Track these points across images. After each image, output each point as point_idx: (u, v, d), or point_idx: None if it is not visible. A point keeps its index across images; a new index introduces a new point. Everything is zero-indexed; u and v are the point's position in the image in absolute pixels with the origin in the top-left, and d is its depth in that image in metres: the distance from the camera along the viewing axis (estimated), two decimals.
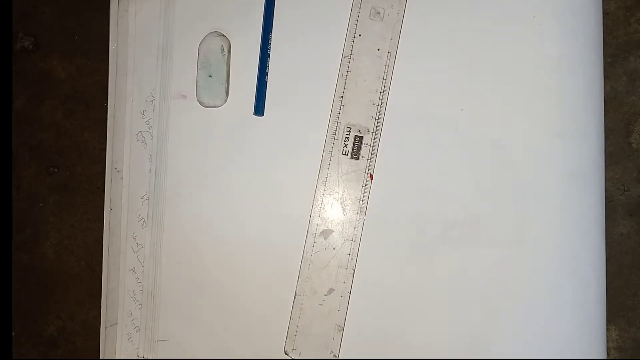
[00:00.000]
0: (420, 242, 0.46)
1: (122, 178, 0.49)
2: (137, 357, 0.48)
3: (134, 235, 0.48)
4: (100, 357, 0.49)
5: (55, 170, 0.52)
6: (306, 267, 0.46)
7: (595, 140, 0.46)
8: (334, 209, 0.46)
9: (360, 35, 0.46)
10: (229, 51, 0.47)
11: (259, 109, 0.46)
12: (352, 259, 0.46)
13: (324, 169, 0.46)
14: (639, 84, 0.49)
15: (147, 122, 0.48)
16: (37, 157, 0.53)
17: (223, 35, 0.47)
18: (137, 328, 0.48)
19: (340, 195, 0.46)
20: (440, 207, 0.46)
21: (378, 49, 0.46)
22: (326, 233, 0.46)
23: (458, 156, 0.46)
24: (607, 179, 0.47)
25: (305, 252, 0.46)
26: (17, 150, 0.52)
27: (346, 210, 0.46)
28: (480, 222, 0.46)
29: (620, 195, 0.49)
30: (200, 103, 0.47)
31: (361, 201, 0.46)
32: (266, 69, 0.46)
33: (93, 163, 0.52)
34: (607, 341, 0.47)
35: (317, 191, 0.46)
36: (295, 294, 0.46)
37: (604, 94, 0.47)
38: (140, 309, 0.48)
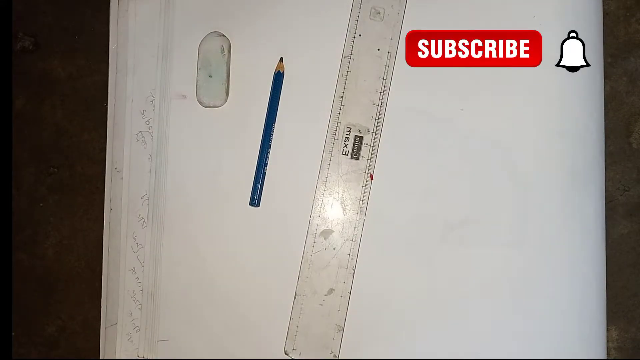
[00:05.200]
0: (420, 242, 0.46)
1: (122, 178, 0.49)
2: (137, 357, 0.48)
3: (134, 235, 0.48)
4: (100, 357, 0.49)
5: (55, 170, 0.52)
6: (306, 267, 0.46)
7: (595, 140, 0.46)
8: (334, 209, 0.46)
9: (360, 35, 0.46)
10: (229, 51, 0.47)
11: (255, 201, 0.46)
12: (352, 259, 0.46)
13: (324, 169, 0.46)
14: (639, 84, 0.49)
15: (147, 122, 0.48)
16: (37, 157, 0.52)
17: (223, 35, 0.47)
18: (137, 328, 0.48)
19: (340, 195, 0.46)
20: (440, 207, 0.46)
21: (378, 49, 0.46)
22: (326, 233, 0.46)
23: (458, 156, 0.46)
24: (607, 179, 0.47)
25: (305, 252, 0.46)
26: (17, 150, 0.52)
27: (346, 210, 0.46)
28: (480, 222, 0.46)
29: (620, 195, 0.49)
30: (200, 103, 0.47)
31: (361, 201, 0.46)
32: (266, 160, 0.46)
33: (93, 163, 0.52)
34: (607, 341, 0.47)
35: (317, 191, 0.46)
36: (295, 294, 0.46)
37: (604, 94, 0.47)
38: (140, 309, 0.48)
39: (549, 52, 0.45)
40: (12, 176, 0.52)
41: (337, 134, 0.46)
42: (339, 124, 0.46)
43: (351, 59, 0.46)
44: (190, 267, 0.48)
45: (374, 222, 0.46)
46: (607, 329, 0.46)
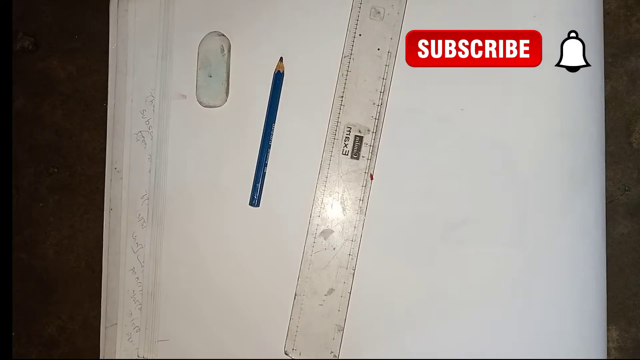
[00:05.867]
0: (420, 242, 0.46)
1: (122, 178, 0.49)
2: (137, 357, 0.48)
3: (134, 235, 0.48)
4: (100, 357, 0.49)
5: (55, 170, 0.52)
6: (306, 267, 0.46)
7: (595, 140, 0.46)
8: (334, 209, 0.46)
9: (360, 35, 0.46)
10: (229, 51, 0.47)
11: (255, 201, 0.46)
12: (352, 259, 0.46)
13: (324, 169, 0.46)
14: (639, 83, 0.49)
15: (147, 122, 0.48)
16: (37, 157, 0.53)
17: (223, 35, 0.47)
18: (137, 328, 0.48)
19: (340, 195, 0.46)
20: (440, 207, 0.46)
21: (378, 49, 0.46)
22: (326, 233, 0.46)
23: (458, 156, 0.46)
24: (607, 179, 0.47)
25: (305, 252, 0.46)
26: (17, 150, 0.52)
27: (346, 210, 0.46)
28: (481, 222, 0.46)
29: (621, 195, 0.49)
30: (200, 103, 0.47)
31: (361, 201, 0.46)
32: (266, 160, 0.46)
33: (93, 163, 0.52)
34: (607, 341, 0.46)
35: (317, 191, 0.46)
36: (295, 294, 0.46)
37: (604, 93, 0.47)
38: (140, 309, 0.48)
39: (549, 52, 0.45)
40: (12, 176, 0.52)
41: (337, 134, 0.46)
42: (339, 124, 0.46)
43: (351, 59, 0.46)
44: (190, 267, 0.48)
45: (374, 222, 0.46)
46: (607, 329, 0.46)
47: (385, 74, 0.46)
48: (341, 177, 0.46)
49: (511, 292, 0.45)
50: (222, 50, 0.46)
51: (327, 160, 0.46)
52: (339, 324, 0.46)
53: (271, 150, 0.46)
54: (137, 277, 0.48)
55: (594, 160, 0.46)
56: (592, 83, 0.46)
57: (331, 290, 0.46)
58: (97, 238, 0.50)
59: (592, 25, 0.46)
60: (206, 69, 0.47)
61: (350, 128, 0.46)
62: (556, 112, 0.45)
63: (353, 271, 0.46)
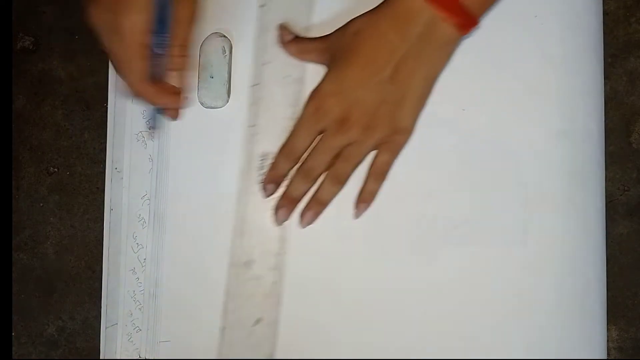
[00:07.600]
0: (420, 242, 0.46)
1: (122, 178, 0.49)
2: (137, 358, 0.48)
3: (134, 235, 0.48)
4: (100, 357, 0.49)
5: (55, 170, 0.52)
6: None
7: (595, 140, 0.46)
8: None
9: None
10: (230, 52, 0.47)
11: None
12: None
13: None
14: (639, 84, 0.49)
15: (148, 122, 0.48)
16: (37, 157, 0.52)
17: (224, 36, 0.47)
18: (138, 328, 0.48)
19: None
20: (440, 207, 0.46)
21: None
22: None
23: (458, 156, 0.46)
24: (607, 179, 0.47)
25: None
26: (17, 150, 0.52)
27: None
28: (481, 222, 0.46)
29: (620, 195, 0.49)
30: (202, 104, 0.47)
31: None
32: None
33: (93, 163, 0.52)
34: (607, 341, 0.47)
35: None
36: None
37: (604, 94, 0.47)
38: (141, 309, 0.48)
39: (549, 51, 0.45)
40: (12, 176, 0.52)
41: None
42: None
43: None
44: (191, 267, 0.47)
45: (374, 222, 0.46)
46: (607, 329, 0.46)
47: None
48: None
49: (511, 291, 0.45)
50: (224, 51, 0.46)
51: None
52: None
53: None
54: (138, 278, 0.48)
55: (594, 160, 0.46)
56: (591, 83, 0.46)
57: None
58: (97, 238, 0.50)
59: (591, 26, 0.46)
60: (207, 70, 0.47)
61: None
62: (556, 112, 0.46)
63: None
